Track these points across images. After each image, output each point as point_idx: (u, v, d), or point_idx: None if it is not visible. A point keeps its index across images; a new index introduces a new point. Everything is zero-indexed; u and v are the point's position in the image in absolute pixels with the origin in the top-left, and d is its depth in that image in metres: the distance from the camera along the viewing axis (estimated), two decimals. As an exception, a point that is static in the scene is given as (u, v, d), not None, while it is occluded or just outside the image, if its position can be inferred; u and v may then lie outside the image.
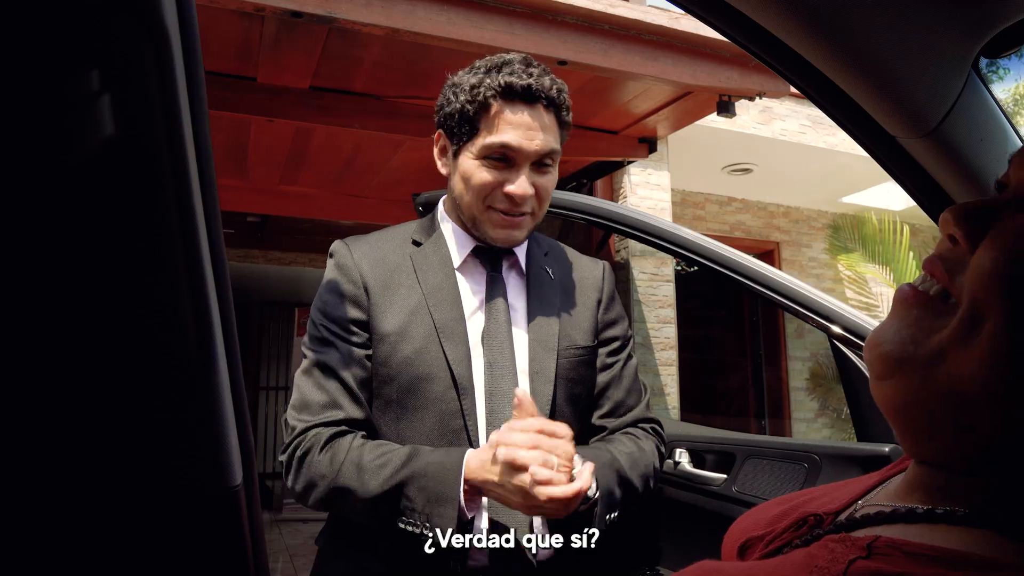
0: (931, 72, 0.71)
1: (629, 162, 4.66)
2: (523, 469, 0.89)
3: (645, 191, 4.79)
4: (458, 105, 1.09)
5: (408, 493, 0.97)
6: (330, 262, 1.17)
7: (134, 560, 0.35)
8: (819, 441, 1.47)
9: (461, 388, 1.07)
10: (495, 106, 1.06)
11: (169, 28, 0.34)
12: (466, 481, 0.96)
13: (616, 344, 1.24)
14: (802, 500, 0.56)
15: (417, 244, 1.18)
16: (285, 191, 5.08)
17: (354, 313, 1.10)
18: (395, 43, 3.08)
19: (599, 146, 4.34)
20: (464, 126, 1.09)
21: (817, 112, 5.61)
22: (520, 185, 1.08)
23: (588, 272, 1.26)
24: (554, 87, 1.09)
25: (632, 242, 4.72)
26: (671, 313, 4.84)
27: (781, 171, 6.19)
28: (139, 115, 0.34)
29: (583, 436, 1.18)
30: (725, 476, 1.56)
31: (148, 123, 0.34)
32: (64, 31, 0.31)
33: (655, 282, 4.82)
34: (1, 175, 0.31)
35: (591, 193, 4.76)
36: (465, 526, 0.97)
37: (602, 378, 1.21)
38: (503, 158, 1.08)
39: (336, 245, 1.17)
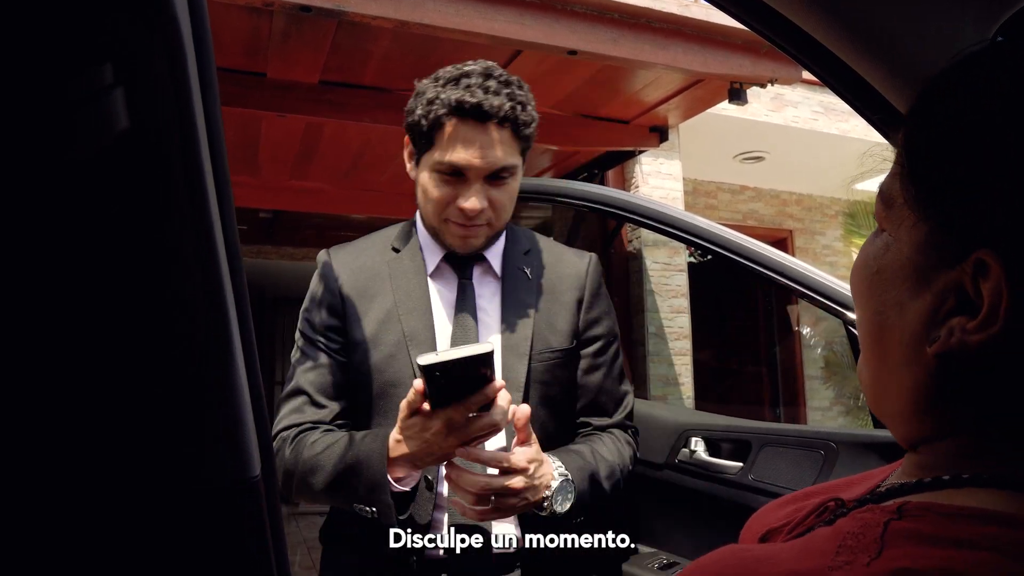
0: (947, 53, 0.70)
1: (640, 151, 4.63)
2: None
3: (657, 180, 4.77)
4: (416, 118, 1.09)
5: (352, 483, 1.04)
6: (316, 272, 1.22)
7: (156, 550, 0.35)
8: (835, 428, 1.46)
9: None
10: (447, 123, 1.07)
11: (181, 24, 0.34)
12: (393, 460, 1.01)
13: (599, 344, 1.22)
14: (816, 493, 0.55)
15: (396, 251, 1.21)
16: (296, 187, 5.09)
17: (331, 321, 1.17)
18: (404, 36, 3.07)
19: (610, 136, 4.31)
20: (422, 139, 1.11)
21: (829, 98, 5.55)
22: (471, 201, 1.08)
23: (571, 268, 1.24)
24: (508, 104, 1.06)
25: (644, 231, 4.70)
26: (684, 303, 4.83)
27: (794, 158, 6.14)
28: (152, 112, 0.34)
29: (563, 435, 1.19)
30: (741, 464, 1.56)
31: (161, 120, 0.34)
32: (76, 28, 0.32)
33: (668, 271, 4.81)
34: (18, 172, 0.31)
35: (602, 183, 4.75)
36: (413, 518, 1.05)
37: (585, 380, 1.20)
38: (455, 173, 1.09)
39: (320, 254, 1.24)
